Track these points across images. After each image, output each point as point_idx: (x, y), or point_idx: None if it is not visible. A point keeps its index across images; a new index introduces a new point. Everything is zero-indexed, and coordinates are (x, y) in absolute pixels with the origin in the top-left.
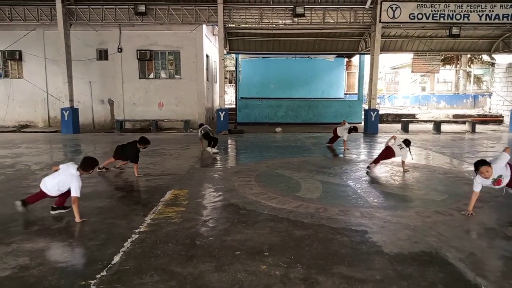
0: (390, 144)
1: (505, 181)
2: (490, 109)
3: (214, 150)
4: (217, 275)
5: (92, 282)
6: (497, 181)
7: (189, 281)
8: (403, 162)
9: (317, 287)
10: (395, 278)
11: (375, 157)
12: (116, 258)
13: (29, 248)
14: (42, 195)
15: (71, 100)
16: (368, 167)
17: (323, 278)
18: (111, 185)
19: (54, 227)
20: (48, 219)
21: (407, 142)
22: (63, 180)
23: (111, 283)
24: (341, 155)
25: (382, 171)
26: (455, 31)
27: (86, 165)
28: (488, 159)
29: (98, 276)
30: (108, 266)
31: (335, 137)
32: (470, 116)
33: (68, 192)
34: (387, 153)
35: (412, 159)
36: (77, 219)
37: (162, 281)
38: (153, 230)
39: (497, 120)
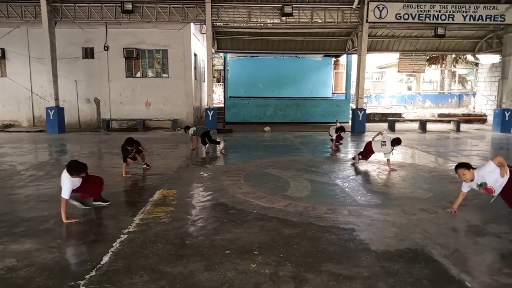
0: (374, 139)
1: (497, 188)
2: (474, 108)
3: (221, 146)
4: (207, 274)
5: (82, 282)
6: (485, 188)
7: (179, 280)
8: (388, 160)
9: (306, 284)
10: (382, 275)
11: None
12: (105, 259)
13: (16, 249)
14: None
15: (57, 99)
16: (353, 158)
17: (312, 276)
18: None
19: (41, 228)
20: (34, 220)
21: (396, 142)
22: (62, 177)
23: (100, 283)
24: (328, 155)
25: (369, 169)
26: (440, 31)
27: (71, 169)
28: (474, 165)
29: (87, 276)
30: (97, 267)
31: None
32: (455, 115)
33: (93, 186)
34: (369, 148)
35: (392, 155)
36: (64, 219)
37: (152, 281)
38: (142, 230)
39: (481, 119)
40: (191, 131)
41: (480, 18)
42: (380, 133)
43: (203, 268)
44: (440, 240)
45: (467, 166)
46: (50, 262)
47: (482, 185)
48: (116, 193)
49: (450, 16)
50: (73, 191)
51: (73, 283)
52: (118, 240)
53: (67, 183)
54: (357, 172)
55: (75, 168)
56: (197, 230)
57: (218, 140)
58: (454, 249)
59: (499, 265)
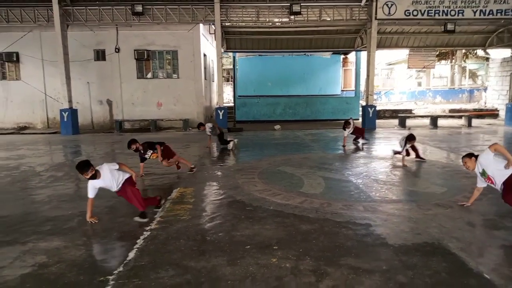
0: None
1: (498, 180)
2: (485, 103)
3: (231, 145)
4: (229, 268)
5: (110, 277)
6: (487, 178)
7: (203, 274)
8: (403, 157)
9: (327, 278)
10: (401, 268)
11: (372, 151)
12: (131, 255)
13: (45, 247)
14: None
15: (70, 101)
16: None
17: (332, 269)
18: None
19: (66, 226)
20: (59, 219)
21: (411, 137)
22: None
23: (129, 278)
24: (340, 152)
25: (382, 166)
26: (450, 27)
27: (79, 170)
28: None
29: (115, 271)
30: (124, 262)
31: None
32: (466, 110)
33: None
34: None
35: (400, 152)
36: (87, 217)
37: (178, 275)
38: (163, 227)
39: (492, 114)
40: (208, 128)
41: (491, 12)
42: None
43: (226, 263)
44: (456, 234)
45: (469, 155)
46: (78, 259)
47: (484, 174)
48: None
49: (460, 11)
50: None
51: (102, 278)
52: (142, 237)
53: (89, 184)
54: (370, 168)
55: (79, 168)
56: (216, 226)
57: (229, 139)
58: (470, 242)
59: None
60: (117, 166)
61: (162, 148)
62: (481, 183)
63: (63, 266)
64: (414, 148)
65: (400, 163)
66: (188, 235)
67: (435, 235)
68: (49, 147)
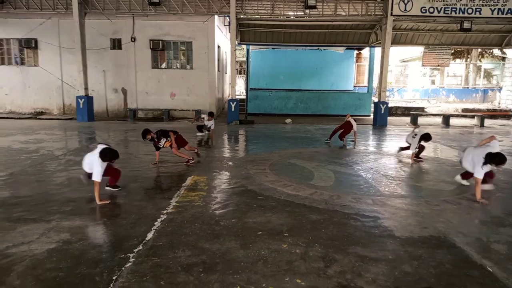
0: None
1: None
2: (499, 103)
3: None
4: (243, 251)
5: (131, 255)
6: None
7: (218, 256)
8: (412, 154)
9: (335, 264)
10: (407, 258)
11: (382, 147)
12: (149, 235)
13: (68, 226)
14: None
15: (86, 89)
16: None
17: (340, 257)
18: (134, 170)
19: (87, 208)
20: (79, 200)
21: (426, 137)
22: (92, 161)
23: (148, 256)
24: (350, 147)
25: (392, 162)
26: (466, 25)
27: (105, 156)
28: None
29: (135, 250)
30: (143, 242)
31: (350, 129)
32: (479, 110)
33: (112, 171)
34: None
35: (408, 148)
36: (97, 201)
37: (194, 256)
38: (179, 211)
39: (506, 114)
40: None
41: (509, 11)
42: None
43: (239, 246)
44: (462, 229)
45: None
46: (100, 237)
47: None
48: (151, 178)
49: (477, 9)
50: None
51: (123, 255)
52: (159, 220)
53: (98, 167)
54: (380, 164)
55: (107, 155)
56: (229, 213)
57: (203, 130)
58: (476, 237)
59: None
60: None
61: (175, 136)
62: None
63: (86, 243)
64: (421, 147)
65: (409, 160)
66: (203, 220)
67: (442, 230)
68: (66, 133)
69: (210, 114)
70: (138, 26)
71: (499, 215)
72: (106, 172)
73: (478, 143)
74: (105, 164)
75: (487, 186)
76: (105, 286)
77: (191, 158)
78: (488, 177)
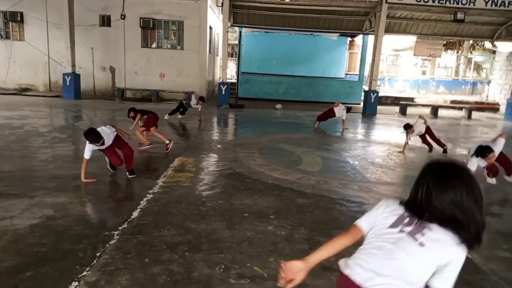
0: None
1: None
2: (487, 96)
3: (166, 117)
4: (228, 232)
5: (115, 233)
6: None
7: (203, 235)
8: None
9: (319, 246)
10: None
11: (371, 136)
12: (135, 214)
13: (51, 202)
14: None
15: (73, 66)
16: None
17: (324, 239)
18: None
19: (71, 185)
20: (64, 177)
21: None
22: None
23: (132, 234)
24: (339, 134)
25: (380, 150)
26: (459, 16)
27: (87, 137)
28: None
29: (120, 228)
30: (128, 220)
31: (328, 116)
32: (467, 102)
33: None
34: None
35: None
36: (82, 178)
37: (179, 235)
38: (165, 191)
39: (493, 108)
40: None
41: (503, 3)
42: (421, 116)
43: (225, 227)
44: None
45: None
46: (84, 214)
47: None
48: (138, 158)
49: (472, 0)
50: (102, 151)
51: (107, 232)
52: (145, 199)
53: (87, 147)
54: (368, 152)
55: (88, 136)
56: (216, 194)
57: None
58: None
59: (498, 242)
60: (113, 129)
61: (145, 116)
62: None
63: (70, 220)
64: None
65: (396, 149)
66: (189, 200)
67: None
68: (51, 110)
69: (201, 99)
70: (128, 4)
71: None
72: (109, 151)
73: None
74: (91, 145)
75: (490, 180)
76: (89, 262)
77: (168, 142)
78: (491, 172)
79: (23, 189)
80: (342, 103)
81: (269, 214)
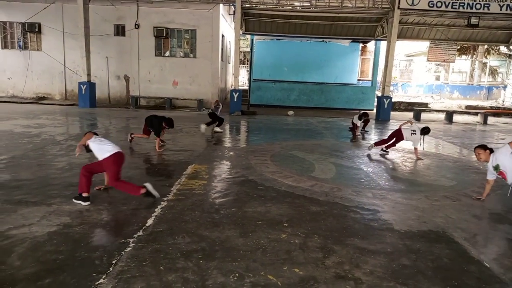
0: (402, 127)
1: (510, 176)
2: (503, 101)
3: (218, 129)
4: (242, 240)
5: (131, 240)
6: (499, 172)
7: (217, 243)
8: (415, 149)
9: (333, 255)
10: (405, 251)
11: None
12: (150, 221)
13: (69, 209)
14: None
15: (89, 75)
16: (371, 145)
17: (339, 248)
18: (135, 157)
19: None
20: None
21: (426, 130)
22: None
23: (148, 241)
24: (353, 140)
25: (394, 157)
26: (473, 20)
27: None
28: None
29: (135, 235)
30: (143, 228)
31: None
32: (483, 107)
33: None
34: (398, 135)
35: (422, 148)
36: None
37: (194, 242)
38: (179, 199)
39: (510, 113)
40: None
41: None
42: (409, 121)
43: (238, 235)
44: (461, 224)
45: (483, 147)
46: (100, 222)
47: (497, 168)
48: (152, 165)
49: (486, 5)
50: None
51: (123, 240)
52: (159, 207)
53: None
54: (381, 158)
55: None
56: (229, 202)
57: (208, 123)
58: (474, 233)
59: None
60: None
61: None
62: (491, 176)
63: (86, 227)
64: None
65: (411, 155)
66: (203, 208)
67: (440, 224)
68: (67, 118)
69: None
70: (142, 13)
71: (499, 212)
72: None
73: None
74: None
75: None
76: (105, 269)
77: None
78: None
79: (41, 197)
80: (355, 109)
81: (282, 222)
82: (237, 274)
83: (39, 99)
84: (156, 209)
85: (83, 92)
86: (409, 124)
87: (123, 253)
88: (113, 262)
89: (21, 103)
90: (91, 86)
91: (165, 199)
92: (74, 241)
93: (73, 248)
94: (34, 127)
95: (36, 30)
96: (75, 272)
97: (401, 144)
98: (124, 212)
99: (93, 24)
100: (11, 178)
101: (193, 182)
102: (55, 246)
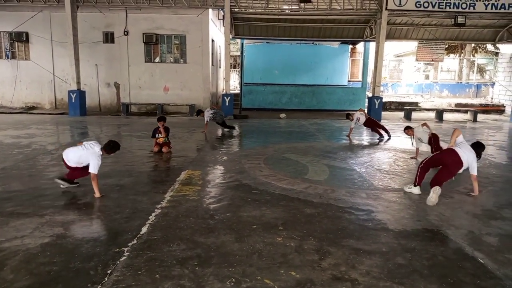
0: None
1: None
2: (492, 98)
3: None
4: (237, 245)
5: (125, 249)
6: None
7: (213, 249)
8: (417, 149)
9: (329, 256)
10: (400, 251)
11: (376, 142)
12: (144, 229)
13: (61, 220)
14: (65, 164)
15: (78, 83)
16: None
17: (334, 249)
18: (128, 165)
19: (80, 202)
20: (72, 195)
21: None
22: (84, 155)
23: (142, 250)
24: (344, 141)
25: (386, 156)
26: (460, 20)
27: (111, 148)
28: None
29: (129, 244)
30: (138, 236)
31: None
32: (472, 105)
33: (83, 170)
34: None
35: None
36: (97, 194)
37: (189, 249)
38: (173, 205)
39: (498, 109)
40: (208, 114)
41: (503, 6)
42: (425, 124)
43: (234, 240)
44: (455, 222)
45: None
46: (93, 232)
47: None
48: (145, 172)
49: (471, 4)
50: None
51: (118, 249)
52: (153, 214)
53: (98, 160)
54: (374, 158)
55: (113, 148)
56: (224, 207)
57: (233, 125)
58: (468, 230)
59: (511, 245)
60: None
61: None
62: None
63: (80, 237)
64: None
65: (403, 154)
66: (197, 214)
67: (434, 223)
68: (58, 127)
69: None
70: (131, 20)
71: (491, 208)
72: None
73: None
74: (100, 158)
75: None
76: (100, 280)
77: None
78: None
79: (33, 208)
80: (347, 110)
81: (277, 225)
82: (233, 280)
83: (29, 109)
84: (150, 217)
85: (73, 101)
86: (425, 127)
87: (118, 262)
88: (108, 272)
89: (10, 113)
90: (81, 94)
91: (159, 206)
92: (68, 252)
93: (67, 259)
94: (24, 137)
95: (24, 39)
96: (69, 283)
97: (392, 144)
98: (118, 221)
99: (82, 31)
100: (1, 189)
101: (187, 188)
102: (48, 257)
